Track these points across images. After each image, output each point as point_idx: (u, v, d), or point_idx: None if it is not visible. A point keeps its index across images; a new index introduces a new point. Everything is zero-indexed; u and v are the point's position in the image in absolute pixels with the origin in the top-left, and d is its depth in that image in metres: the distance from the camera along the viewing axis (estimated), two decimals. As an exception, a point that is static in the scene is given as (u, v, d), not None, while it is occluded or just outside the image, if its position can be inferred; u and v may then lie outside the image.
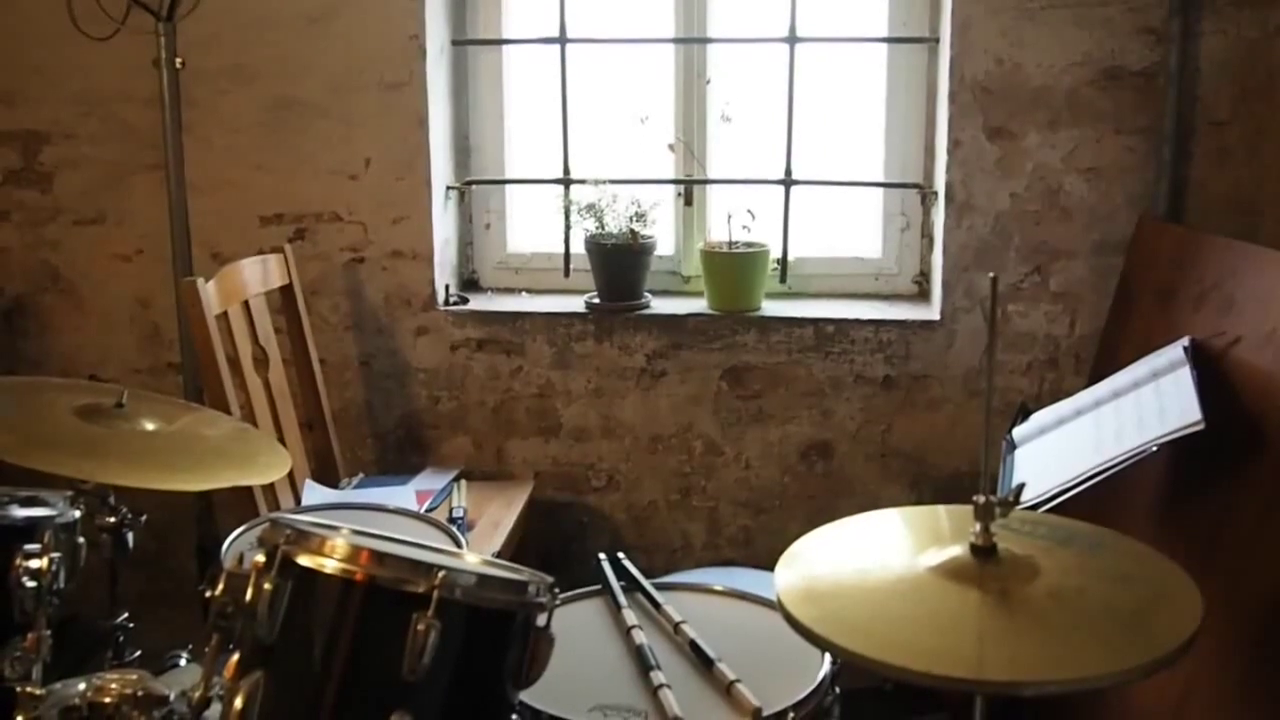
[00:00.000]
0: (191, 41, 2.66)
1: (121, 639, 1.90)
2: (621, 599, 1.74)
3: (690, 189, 2.87)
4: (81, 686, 1.47)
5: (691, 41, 2.81)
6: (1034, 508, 1.76)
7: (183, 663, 1.80)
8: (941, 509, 1.50)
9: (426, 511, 2.36)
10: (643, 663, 1.56)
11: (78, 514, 1.62)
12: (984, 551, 1.29)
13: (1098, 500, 1.77)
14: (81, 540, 1.59)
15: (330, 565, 1.26)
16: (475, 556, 1.52)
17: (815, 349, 2.68)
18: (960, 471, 2.66)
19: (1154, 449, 1.77)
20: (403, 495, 2.52)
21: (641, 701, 1.49)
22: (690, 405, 2.74)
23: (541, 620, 1.37)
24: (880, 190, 2.80)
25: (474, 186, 2.92)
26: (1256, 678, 1.61)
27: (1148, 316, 2.29)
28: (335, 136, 2.74)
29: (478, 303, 2.84)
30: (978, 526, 1.29)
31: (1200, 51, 2.44)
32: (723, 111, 2.82)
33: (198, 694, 1.33)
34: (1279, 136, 2.45)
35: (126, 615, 1.91)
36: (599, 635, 1.68)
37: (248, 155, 2.77)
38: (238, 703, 1.23)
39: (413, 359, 2.81)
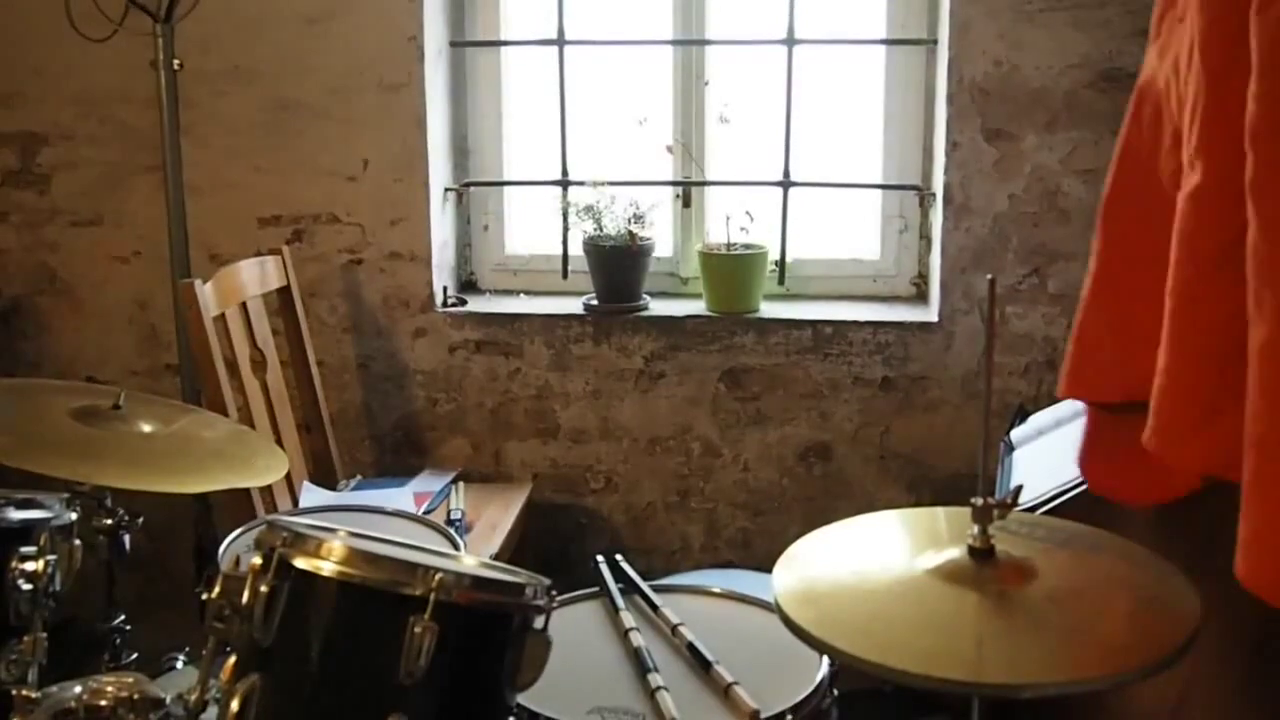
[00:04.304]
0: (190, 43, 2.66)
1: (118, 641, 1.89)
2: (619, 601, 1.74)
3: (688, 190, 2.87)
4: (78, 689, 1.47)
5: (690, 43, 2.80)
6: (1032, 510, 1.76)
7: (179, 665, 1.81)
8: (940, 511, 1.49)
9: (424, 513, 2.36)
10: (641, 665, 1.56)
11: (74, 516, 1.61)
12: (982, 553, 1.28)
13: (1096, 502, 1.76)
14: (78, 542, 1.58)
15: (327, 568, 1.26)
16: (472, 559, 1.52)
17: (813, 351, 2.67)
18: (958, 473, 2.66)
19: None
20: (400, 497, 2.52)
21: (639, 704, 1.49)
22: (688, 407, 2.74)
23: (539, 622, 1.37)
24: (878, 192, 2.80)
25: (472, 188, 2.91)
26: (1256, 677, 1.61)
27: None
28: (333, 138, 2.73)
29: (476, 304, 2.83)
30: (976, 528, 1.29)
31: (1198, 53, 2.44)
32: (721, 113, 2.82)
33: (194, 697, 1.32)
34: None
35: (123, 618, 1.91)
36: (597, 637, 1.67)
37: (246, 157, 2.76)
38: (234, 705, 1.23)
39: (411, 361, 2.81)
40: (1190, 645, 1.17)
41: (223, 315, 2.31)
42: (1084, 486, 1.80)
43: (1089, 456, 1.29)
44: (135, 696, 1.45)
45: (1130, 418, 1.17)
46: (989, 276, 1.23)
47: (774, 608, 1.27)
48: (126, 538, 1.80)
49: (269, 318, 2.53)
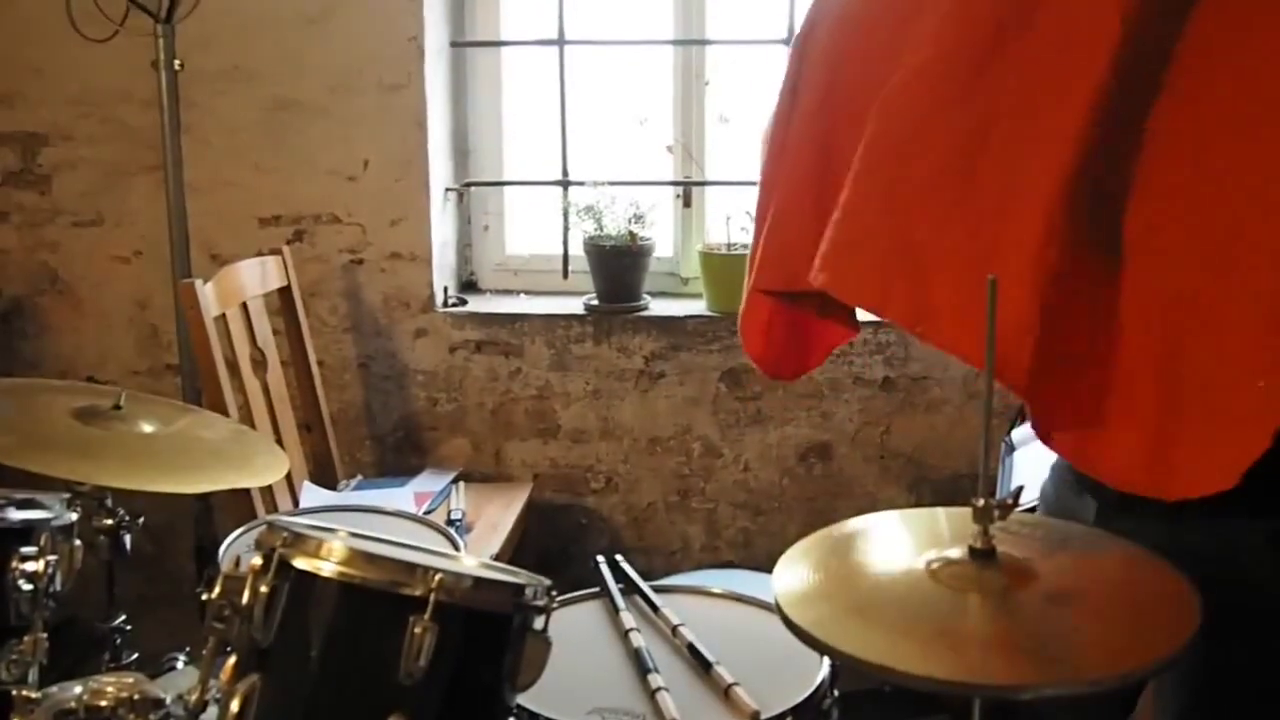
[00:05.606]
0: (190, 43, 2.66)
1: (118, 641, 1.89)
2: (620, 601, 1.74)
3: (689, 190, 2.87)
4: (78, 689, 1.47)
5: (690, 43, 2.81)
6: (1033, 510, 1.76)
7: (180, 665, 1.80)
8: (940, 511, 1.49)
9: (425, 514, 2.36)
10: (641, 666, 1.56)
11: (75, 516, 1.61)
12: (983, 554, 1.28)
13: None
14: (78, 542, 1.58)
15: (327, 568, 1.26)
16: (473, 559, 1.52)
17: (814, 351, 2.67)
18: (959, 473, 2.66)
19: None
20: (401, 497, 2.52)
21: (639, 705, 1.49)
22: (689, 407, 2.74)
23: (539, 623, 1.36)
24: (879, 192, 2.80)
25: (472, 188, 2.91)
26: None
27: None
28: (334, 138, 2.73)
29: (476, 304, 2.83)
30: (977, 529, 1.28)
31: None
32: (721, 113, 2.82)
33: (194, 697, 1.32)
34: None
35: (124, 618, 1.90)
36: (597, 638, 1.67)
37: (246, 156, 2.76)
38: (234, 705, 1.23)
39: (411, 361, 2.81)
40: (1190, 645, 1.17)
41: (223, 315, 2.31)
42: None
43: (750, 332, 1.52)
44: (135, 697, 1.45)
45: (792, 303, 1.45)
46: (990, 277, 1.22)
47: (774, 608, 1.27)
48: (127, 538, 1.79)
49: (269, 318, 2.53)
